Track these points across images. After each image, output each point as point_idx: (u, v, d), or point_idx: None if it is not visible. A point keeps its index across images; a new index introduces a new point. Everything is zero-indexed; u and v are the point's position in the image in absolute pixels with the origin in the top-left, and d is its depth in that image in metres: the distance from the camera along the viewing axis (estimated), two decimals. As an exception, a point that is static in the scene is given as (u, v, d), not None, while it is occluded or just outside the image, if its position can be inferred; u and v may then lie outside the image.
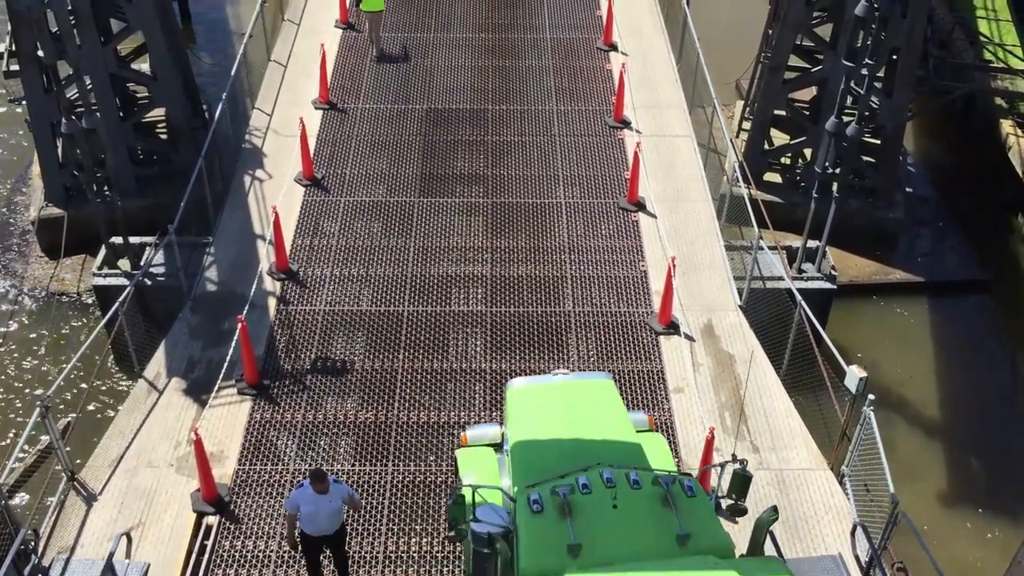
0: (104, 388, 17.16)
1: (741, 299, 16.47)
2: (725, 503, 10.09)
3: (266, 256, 17.05)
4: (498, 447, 11.89)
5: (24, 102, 18.94)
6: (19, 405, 17.06)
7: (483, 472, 11.36)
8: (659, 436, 12.34)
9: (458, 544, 12.48)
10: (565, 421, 10.72)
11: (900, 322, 19.41)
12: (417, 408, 14.55)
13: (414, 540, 12.74)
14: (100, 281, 17.12)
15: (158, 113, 20.89)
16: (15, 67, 19.09)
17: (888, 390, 17.55)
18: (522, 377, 11.99)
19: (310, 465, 13.63)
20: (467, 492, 9.87)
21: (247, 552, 12.58)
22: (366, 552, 12.59)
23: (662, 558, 8.89)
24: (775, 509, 9.59)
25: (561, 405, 11.05)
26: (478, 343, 15.63)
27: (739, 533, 11.75)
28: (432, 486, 13.42)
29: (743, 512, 10.00)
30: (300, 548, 11.54)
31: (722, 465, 10.45)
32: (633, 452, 10.43)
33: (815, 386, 14.80)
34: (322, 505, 11.04)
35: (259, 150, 19.62)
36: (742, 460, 9.97)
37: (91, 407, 16.73)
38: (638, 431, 11.47)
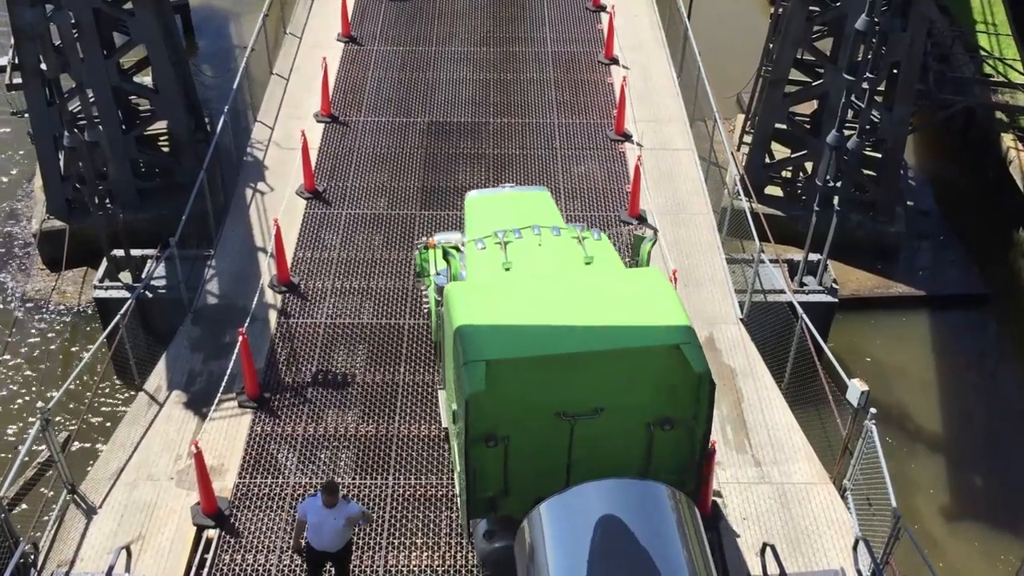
0: (104, 400, 17.15)
1: (742, 312, 16.46)
2: (627, 261, 12.43)
3: (267, 269, 17.05)
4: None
5: (27, 115, 19.01)
6: (19, 418, 17.06)
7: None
8: None
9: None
10: (510, 216, 13.22)
11: (901, 335, 19.40)
12: (418, 421, 14.53)
13: (415, 554, 12.71)
14: (101, 294, 17.14)
15: (160, 126, 20.92)
16: (18, 80, 19.17)
17: (890, 403, 17.53)
18: (477, 189, 15.03)
19: (311, 479, 13.62)
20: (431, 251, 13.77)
21: (247, 566, 12.54)
22: (367, 566, 12.55)
23: None
24: (656, 233, 12.32)
25: (508, 207, 13.64)
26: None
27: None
28: (433, 500, 13.38)
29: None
30: (303, 559, 11.51)
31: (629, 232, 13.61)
32: None
33: (817, 399, 14.78)
34: (327, 520, 10.99)
35: (261, 163, 19.65)
36: (637, 226, 12.62)
37: (91, 420, 16.71)
38: None
